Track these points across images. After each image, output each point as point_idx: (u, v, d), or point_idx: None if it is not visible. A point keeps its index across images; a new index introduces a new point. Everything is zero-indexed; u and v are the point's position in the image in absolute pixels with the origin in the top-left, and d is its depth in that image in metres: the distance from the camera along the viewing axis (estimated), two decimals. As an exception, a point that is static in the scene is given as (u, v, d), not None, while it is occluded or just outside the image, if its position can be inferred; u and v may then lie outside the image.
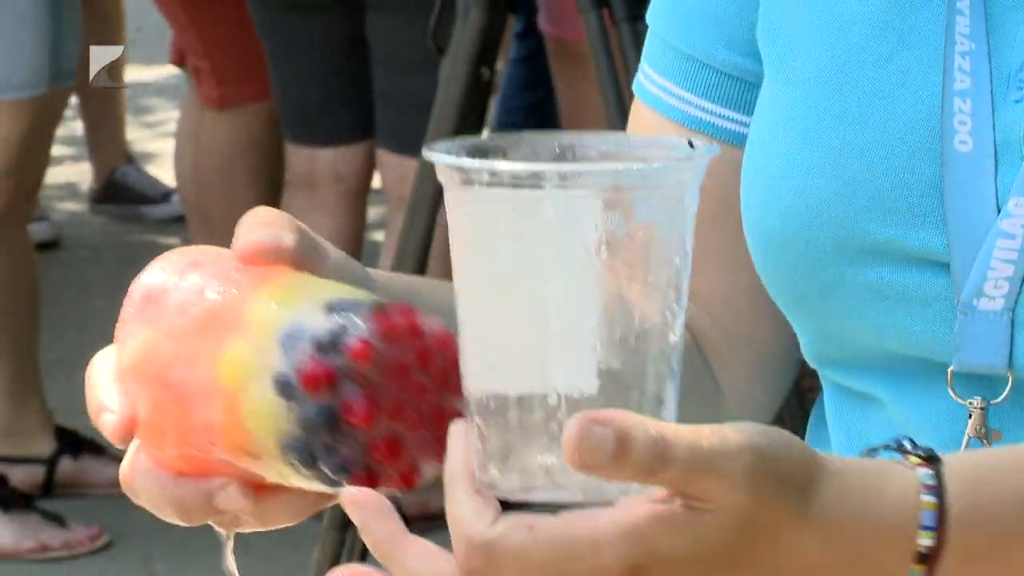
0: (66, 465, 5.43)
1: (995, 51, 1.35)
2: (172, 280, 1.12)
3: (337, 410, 1.08)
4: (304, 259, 1.16)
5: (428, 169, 3.73)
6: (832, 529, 1.12)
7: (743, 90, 1.50)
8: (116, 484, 4.24)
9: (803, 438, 1.39)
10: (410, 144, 4.87)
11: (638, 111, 1.57)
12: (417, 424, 1.12)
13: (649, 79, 1.54)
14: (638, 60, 3.52)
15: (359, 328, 1.08)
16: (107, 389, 1.15)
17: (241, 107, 5.98)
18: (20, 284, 5.06)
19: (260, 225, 1.16)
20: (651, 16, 1.55)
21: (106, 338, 1.19)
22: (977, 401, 1.33)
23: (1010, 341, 1.31)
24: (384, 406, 1.09)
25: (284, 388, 1.07)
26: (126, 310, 1.13)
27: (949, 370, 1.34)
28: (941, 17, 1.36)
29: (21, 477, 5.21)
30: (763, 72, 1.48)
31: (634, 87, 1.57)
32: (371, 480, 1.10)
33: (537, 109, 6.51)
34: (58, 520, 5.13)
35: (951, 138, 1.34)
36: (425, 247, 3.84)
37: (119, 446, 1.13)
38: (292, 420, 1.07)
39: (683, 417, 1.31)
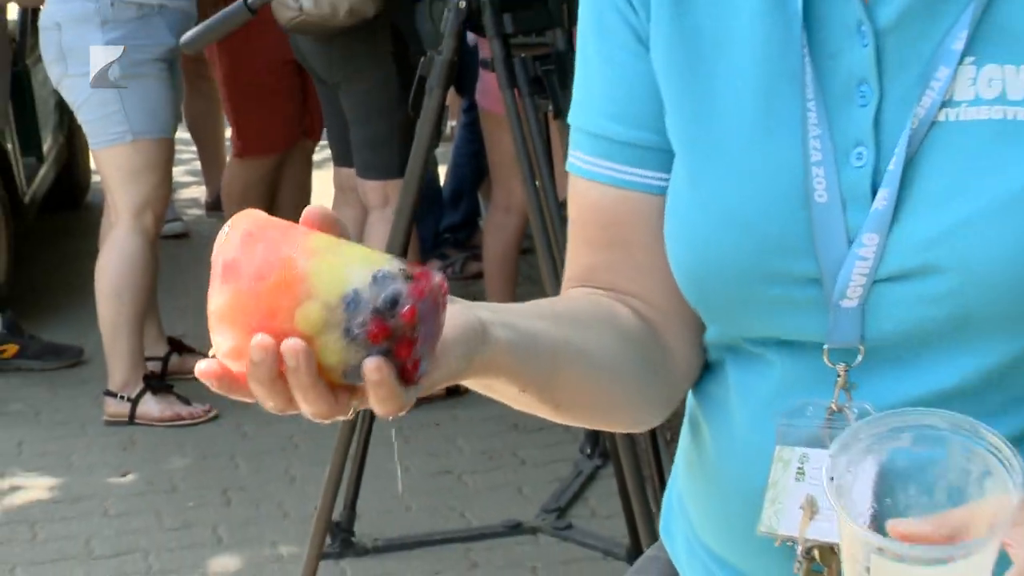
0: (174, 360, 5.36)
1: (835, 132, 1.28)
2: (242, 252, 1.06)
3: (392, 350, 1.06)
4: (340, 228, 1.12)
5: (409, 186, 3.61)
6: None
7: (658, 156, 1.40)
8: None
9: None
10: (373, 173, 4.81)
11: (576, 184, 1.46)
12: (430, 344, 1.10)
13: (582, 160, 1.44)
14: (537, 122, 3.44)
15: (404, 297, 1.05)
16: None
17: (252, 158, 5.80)
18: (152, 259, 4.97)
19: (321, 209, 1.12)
20: (575, 118, 1.46)
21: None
22: (842, 366, 1.30)
23: (862, 326, 1.27)
24: (419, 342, 1.07)
25: (354, 338, 1.05)
26: (213, 277, 1.08)
27: (824, 347, 1.30)
28: (797, 110, 1.29)
29: (151, 369, 5.13)
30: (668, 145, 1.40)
31: (568, 167, 1.45)
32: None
33: (475, 156, 6.24)
34: (184, 399, 5.08)
35: (812, 194, 1.28)
36: (407, 241, 3.67)
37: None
38: (357, 357, 1.06)
39: (646, 366, 1.42)
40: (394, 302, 1.06)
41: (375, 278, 1.06)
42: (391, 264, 1.08)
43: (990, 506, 1.10)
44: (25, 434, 5.11)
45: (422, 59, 3.60)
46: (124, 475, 4.78)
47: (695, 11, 1.35)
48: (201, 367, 1.09)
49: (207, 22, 3.58)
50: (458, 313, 1.17)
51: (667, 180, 1.39)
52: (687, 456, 1.51)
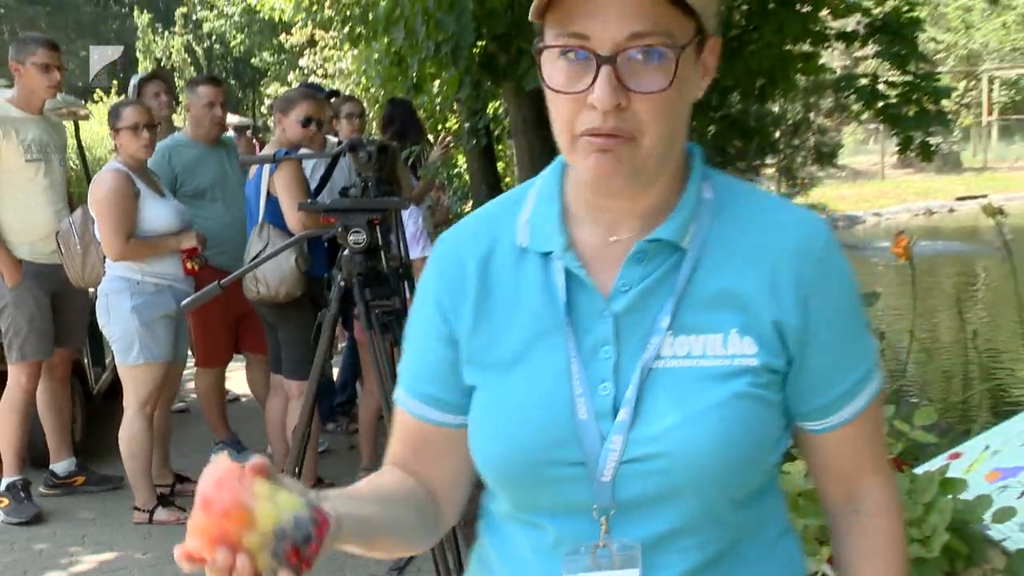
0: (178, 487, 5.19)
1: (589, 375, 1.19)
2: (214, 493, 1.02)
3: (299, 567, 1.03)
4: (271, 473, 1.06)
5: (312, 381, 3.53)
6: None
7: (456, 407, 1.29)
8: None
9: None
10: (295, 376, 4.72)
11: (400, 410, 1.34)
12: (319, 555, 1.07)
13: (407, 401, 1.31)
14: (384, 348, 3.37)
15: (313, 537, 1.04)
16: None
17: (205, 368, 5.58)
18: (150, 431, 4.83)
19: (260, 461, 1.05)
20: (402, 376, 1.33)
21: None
22: (604, 518, 1.18)
23: (613, 492, 1.17)
24: (313, 556, 1.05)
25: (278, 557, 1.03)
26: (196, 503, 1.04)
27: (593, 507, 1.18)
28: (566, 363, 1.20)
29: (161, 492, 4.99)
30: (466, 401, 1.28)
31: (396, 400, 1.33)
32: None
33: (354, 364, 6.17)
34: (183, 509, 4.92)
35: (576, 413, 1.18)
36: (311, 414, 3.58)
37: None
38: (277, 567, 1.03)
39: (427, 524, 1.30)
40: (307, 539, 1.04)
41: (296, 520, 1.04)
42: (307, 510, 1.05)
43: None
44: (87, 530, 4.88)
45: (319, 312, 3.62)
46: (144, 554, 4.57)
47: (494, 313, 1.25)
48: (179, 553, 1.05)
49: (196, 295, 3.57)
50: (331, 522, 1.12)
51: (451, 419, 1.29)
52: None
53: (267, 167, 4.67)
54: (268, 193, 4.68)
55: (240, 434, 5.83)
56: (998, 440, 1.74)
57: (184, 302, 3.59)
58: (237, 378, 6.68)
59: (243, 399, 6.92)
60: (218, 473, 1.04)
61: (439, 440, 1.30)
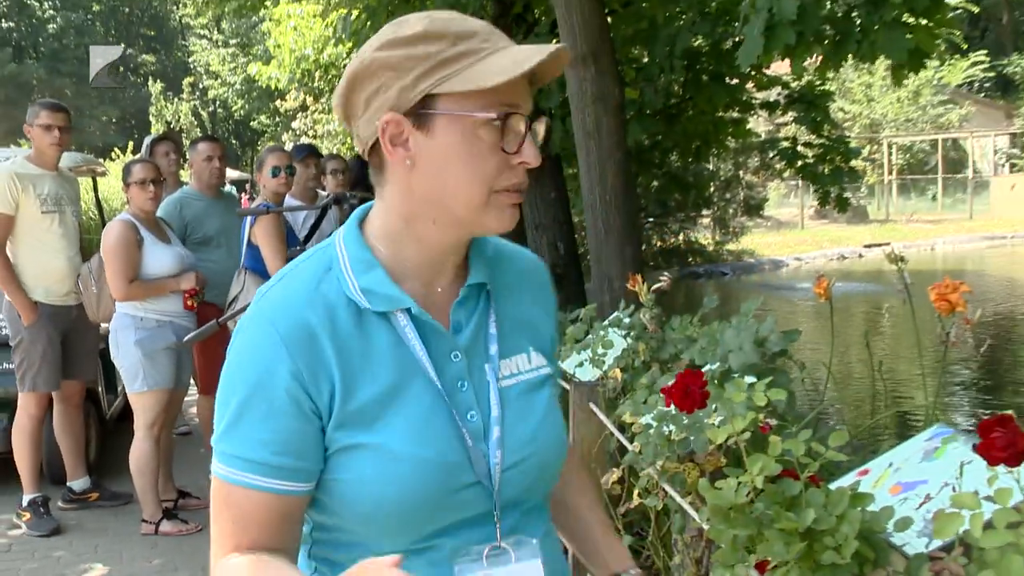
0: (180, 501, 5.09)
1: (456, 406, 1.18)
2: None
3: None
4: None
5: None
6: None
7: (311, 475, 1.16)
8: (199, 507, 3.94)
9: None
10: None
11: (245, 494, 1.15)
12: None
13: (252, 479, 1.14)
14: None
15: None
16: None
17: (208, 395, 5.42)
18: (157, 452, 4.74)
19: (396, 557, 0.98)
20: (242, 451, 1.14)
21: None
22: (499, 522, 1.18)
23: (499, 499, 1.18)
24: None
25: None
26: None
27: (495, 512, 1.18)
28: (438, 399, 1.17)
29: (166, 506, 4.87)
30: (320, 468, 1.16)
31: (231, 481, 1.14)
32: None
33: None
34: (184, 521, 4.83)
35: (466, 440, 1.17)
36: None
37: None
38: None
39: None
40: None
41: None
42: None
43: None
44: (99, 541, 4.78)
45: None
46: (151, 562, 4.47)
47: (355, 374, 1.15)
48: None
49: (197, 331, 3.53)
50: None
51: (304, 487, 1.16)
52: None
53: (248, 219, 4.69)
54: (249, 242, 4.65)
55: (238, 454, 5.74)
56: (900, 458, 1.75)
57: (187, 337, 3.58)
58: (236, 404, 6.56)
59: (241, 422, 6.81)
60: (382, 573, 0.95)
61: (293, 509, 1.17)
